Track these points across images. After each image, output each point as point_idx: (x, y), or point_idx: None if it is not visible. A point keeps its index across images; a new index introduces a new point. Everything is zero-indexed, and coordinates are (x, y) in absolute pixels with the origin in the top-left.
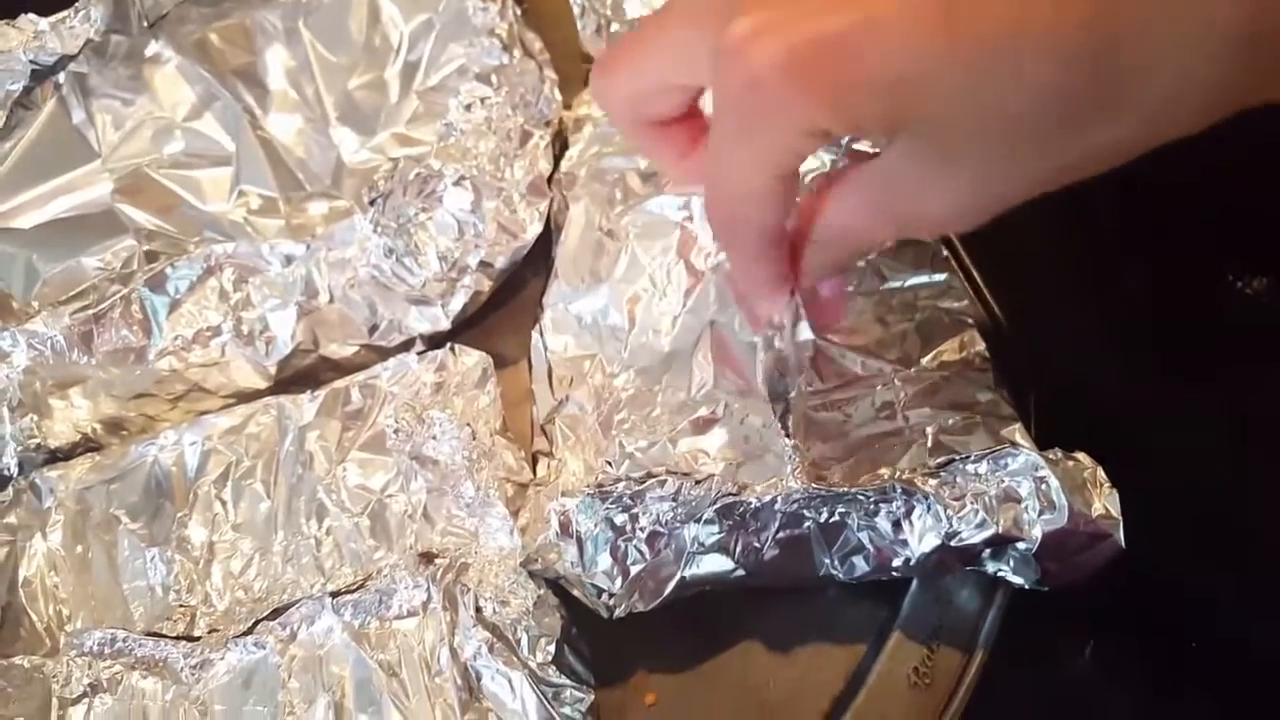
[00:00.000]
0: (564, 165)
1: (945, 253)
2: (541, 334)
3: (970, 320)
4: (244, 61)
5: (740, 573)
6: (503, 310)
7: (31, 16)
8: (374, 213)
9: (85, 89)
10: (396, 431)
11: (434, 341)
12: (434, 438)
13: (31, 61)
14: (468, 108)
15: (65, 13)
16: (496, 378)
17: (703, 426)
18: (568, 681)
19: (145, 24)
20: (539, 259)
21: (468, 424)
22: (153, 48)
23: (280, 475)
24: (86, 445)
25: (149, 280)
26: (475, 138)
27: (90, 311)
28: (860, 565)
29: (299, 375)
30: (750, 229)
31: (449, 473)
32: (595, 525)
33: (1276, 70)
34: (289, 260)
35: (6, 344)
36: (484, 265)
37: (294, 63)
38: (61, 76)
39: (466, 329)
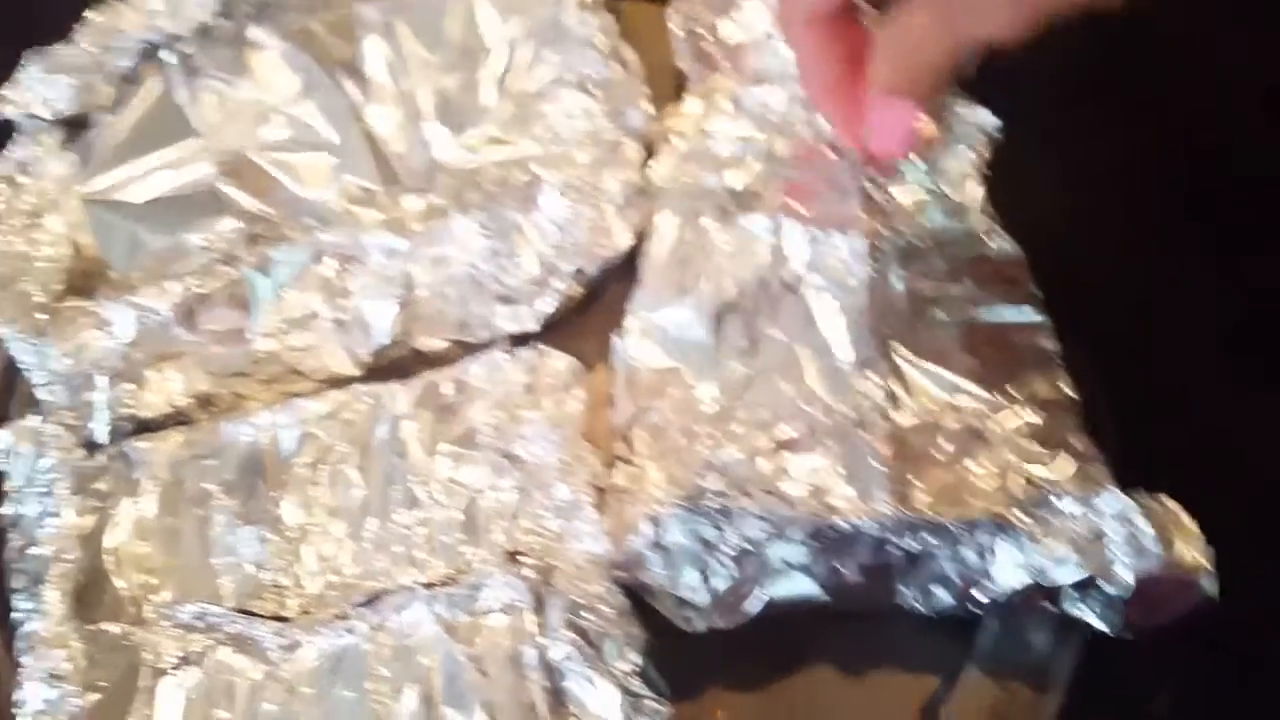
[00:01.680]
0: (653, 177)
1: (1038, 290)
2: (624, 340)
3: (1060, 360)
4: (345, 52)
5: (823, 596)
6: (584, 312)
7: None
8: (477, 214)
9: (190, 68)
10: (489, 428)
11: (519, 340)
12: (525, 437)
13: (141, 40)
14: (569, 117)
15: None
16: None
17: (790, 445)
18: (649, 692)
19: (249, 9)
20: (622, 265)
21: (560, 426)
22: (255, 33)
23: (374, 463)
24: (175, 419)
25: (255, 263)
26: (575, 146)
27: (197, 289)
28: (942, 597)
29: (389, 365)
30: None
31: (539, 473)
32: (685, 538)
33: None
34: (391, 254)
35: (114, 314)
36: (578, 272)
37: (392, 57)
38: (166, 54)
39: (548, 328)
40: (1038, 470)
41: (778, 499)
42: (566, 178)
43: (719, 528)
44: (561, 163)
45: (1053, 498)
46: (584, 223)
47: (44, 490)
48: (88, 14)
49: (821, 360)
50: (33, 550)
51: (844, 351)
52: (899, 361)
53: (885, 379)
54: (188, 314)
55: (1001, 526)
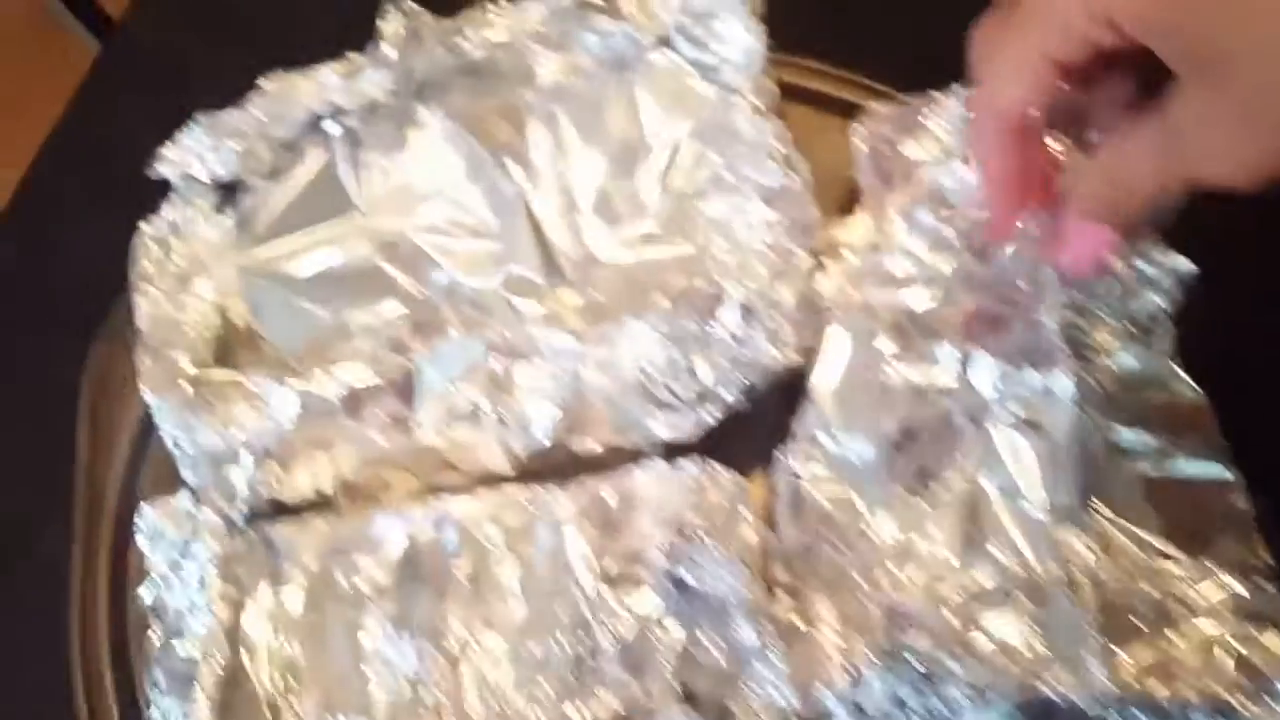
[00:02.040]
0: (823, 290)
1: (1225, 442)
2: (791, 460)
3: (1255, 522)
4: (509, 137)
5: None
6: (736, 417)
7: (327, 69)
8: (654, 319)
9: (354, 141)
10: (657, 549)
11: (676, 448)
12: (695, 562)
13: (310, 110)
14: (748, 226)
15: (351, 62)
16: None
17: (982, 598)
18: None
19: (415, 89)
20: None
21: (741, 559)
22: (421, 113)
23: (536, 575)
24: (317, 503)
25: (427, 354)
26: (751, 255)
27: (366, 378)
28: None
29: (545, 465)
30: (996, 106)
31: (712, 606)
32: (884, 699)
33: None
34: (560, 353)
35: (274, 394)
36: (746, 386)
37: (552, 146)
38: (330, 126)
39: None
40: (1248, 650)
41: (982, 663)
42: (748, 290)
43: (920, 690)
44: (741, 273)
45: (1277, 683)
46: (760, 336)
47: (194, 582)
48: (261, 81)
49: (1011, 504)
50: (179, 647)
51: (1037, 496)
52: (1097, 516)
53: (1087, 535)
54: (355, 402)
55: (1221, 710)
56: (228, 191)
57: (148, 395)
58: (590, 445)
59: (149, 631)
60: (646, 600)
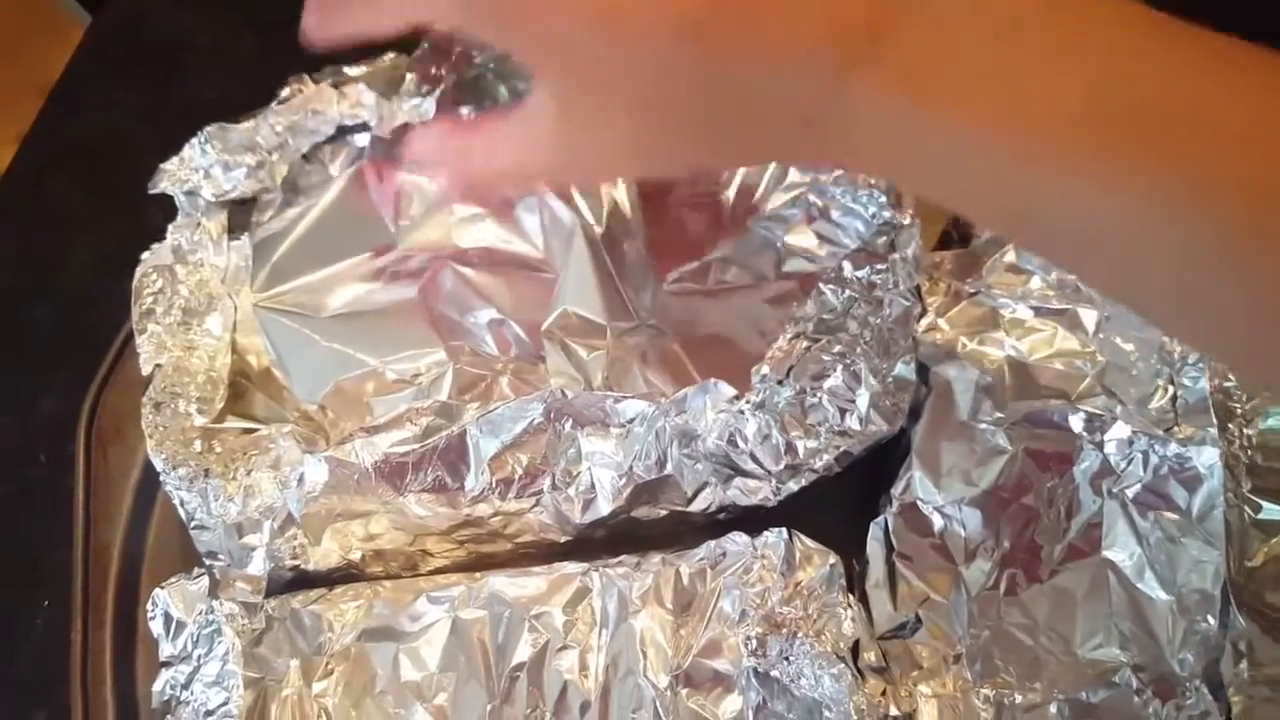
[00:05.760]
0: (930, 339)
1: None
2: (889, 534)
3: None
4: None
5: None
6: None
7: (361, 89)
8: (755, 394)
9: (386, 155)
10: (743, 642)
11: (750, 514)
12: (789, 660)
13: (335, 124)
14: (870, 287)
15: (388, 67)
16: (845, 582)
17: (1094, 683)
18: None
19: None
20: None
21: (837, 655)
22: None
23: (601, 669)
24: (344, 570)
25: (483, 422)
26: (860, 316)
27: (412, 449)
28: None
29: (604, 533)
30: None
31: (816, 715)
32: None
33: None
34: (632, 419)
35: (307, 467)
36: (842, 455)
37: None
38: (360, 140)
39: None
40: None
41: None
42: (849, 353)
43: None
44: (846, 336)
45: None
46: (865, 400)
47: (215, 681)
48: (284, 92)
49: (1136, 585)
50: None
51: (1166, 576)
52: (1241, 615)
53: (1229, 631)
54: (398, 473)
55: None
56: (241, 210)
57: (155, 457)
58: (653, 513)
59: None
60: (732, 705)
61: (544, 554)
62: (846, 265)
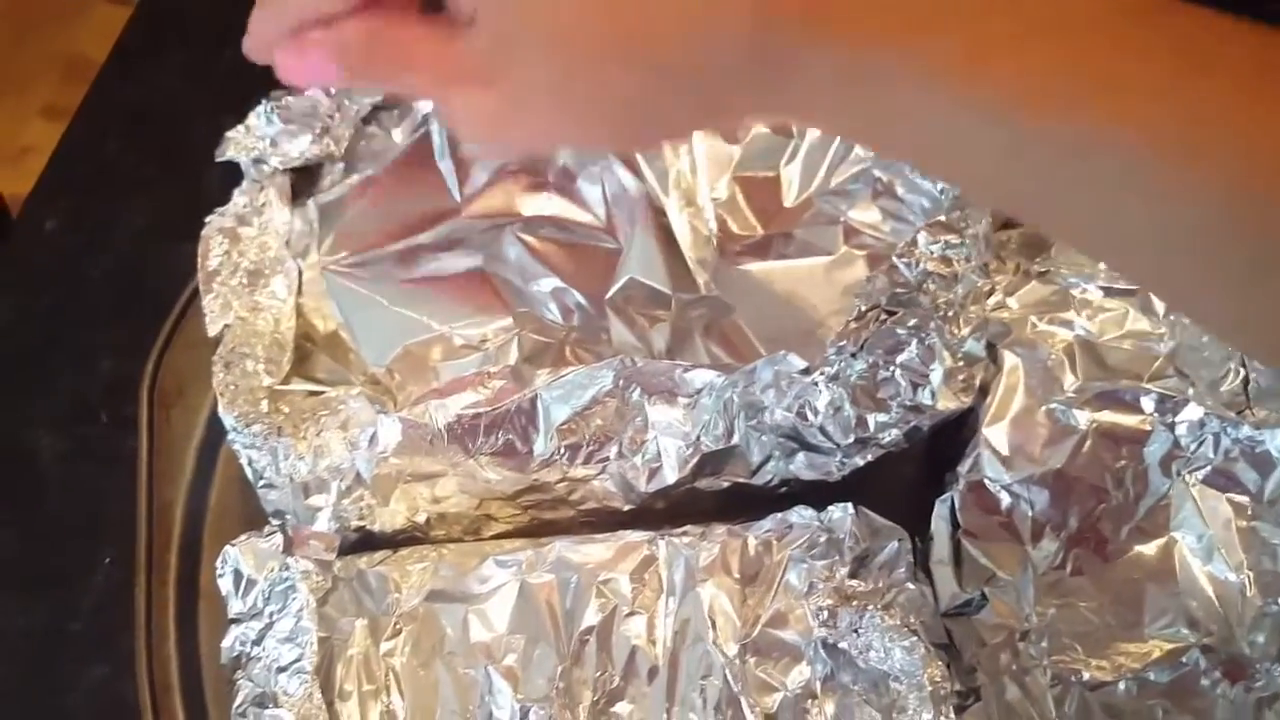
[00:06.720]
0: (1000, 318)
1: None
2: (955, 511)
3: None
4: None
5: None
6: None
7: None
8: (811, 353)
9: None
10: (812, 614)
11: (811, 488)
12: (858, 633)
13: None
14: (945, 262)
15: None
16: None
17: (1162, 663)
18: None
19: None
20: None
21: (914, 633)
22: None
23: (670, 635)
24: (408, 533)
25: (554, 387)
26: (926, 277)
27: (484, 411)
28: None
29: (664, 503)
30: None
31: (878, 683)
32: None
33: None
34: (701, 388)
35: (381, 426)
36: (912, 430)
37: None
38: (424, 106)
39: None
40: None
41: None
42: (923, 325)
43: None
44: (925, 305)
45: None
46: (938, 376)
47: (288, 637)
48: None
49: (1204, 567)
50: (271, 709)
51: (1235, 559)
52: None
53: None
54: (468, 435)
55: None
56: (304, 176)
57: (226, 415)
58: (716, 484)
59: (237, 682)
60: (801, 675)
61: (605, 522)
62: (921, 238)
